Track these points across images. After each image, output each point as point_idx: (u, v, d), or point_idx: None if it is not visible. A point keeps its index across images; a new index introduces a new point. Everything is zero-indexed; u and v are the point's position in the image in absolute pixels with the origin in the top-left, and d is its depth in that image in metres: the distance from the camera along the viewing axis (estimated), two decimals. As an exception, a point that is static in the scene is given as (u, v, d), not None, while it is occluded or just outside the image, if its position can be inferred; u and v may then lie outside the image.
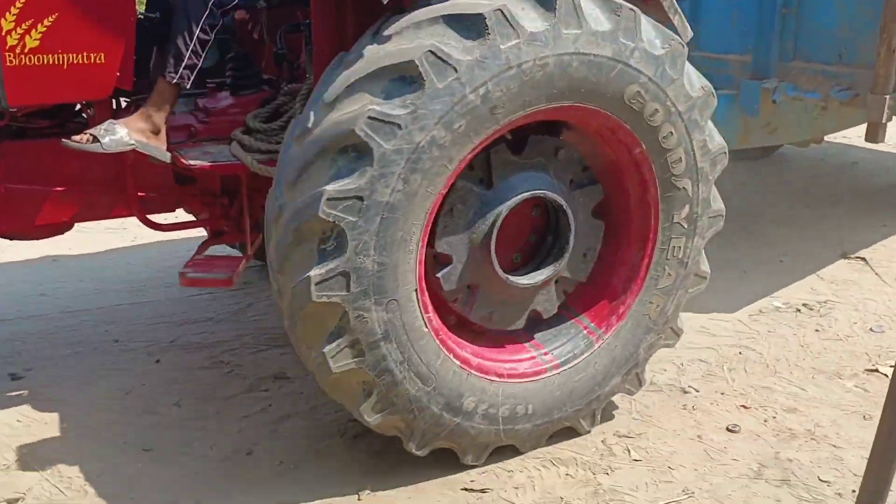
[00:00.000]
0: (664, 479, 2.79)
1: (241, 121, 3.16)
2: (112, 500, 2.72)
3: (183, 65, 2.95)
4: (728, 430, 3.09)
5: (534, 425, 2.84)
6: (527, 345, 2.93)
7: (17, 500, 2.71)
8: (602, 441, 3.02)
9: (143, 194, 3.21)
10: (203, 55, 3.01)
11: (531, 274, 2.82)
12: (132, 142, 2.87)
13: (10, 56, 2.64)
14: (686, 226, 2.89)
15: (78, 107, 3.18)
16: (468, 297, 2.78)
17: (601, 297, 2.98)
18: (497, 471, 2.84)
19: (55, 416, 3.25)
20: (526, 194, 2.69)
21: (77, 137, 2.81)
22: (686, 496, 2.70)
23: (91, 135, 2.81)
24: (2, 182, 2.95)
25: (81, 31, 2.73)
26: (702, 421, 3.16)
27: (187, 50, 2.94)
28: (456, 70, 2.32)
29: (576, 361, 2.88)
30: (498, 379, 2.76)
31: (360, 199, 2.32)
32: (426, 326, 2.57)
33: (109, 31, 2.80)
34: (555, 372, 2.85)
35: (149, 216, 3.31)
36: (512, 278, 2.75)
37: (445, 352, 2.63)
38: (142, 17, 3.15)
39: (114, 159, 2.99)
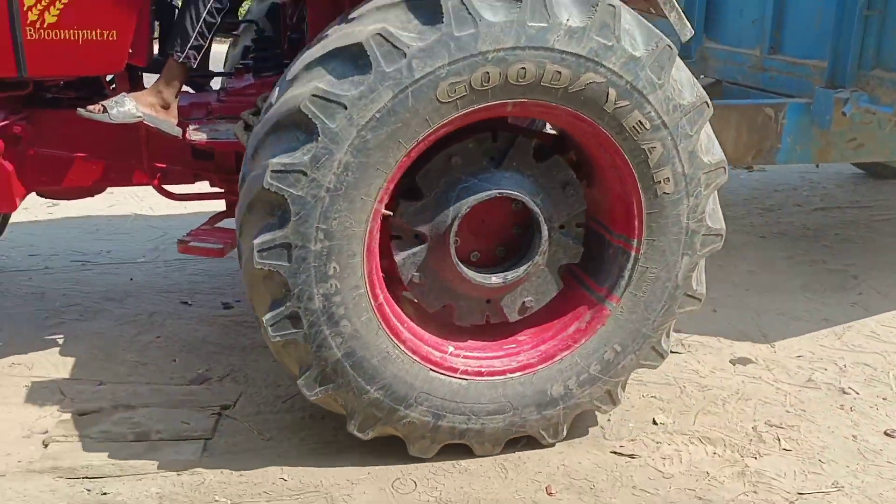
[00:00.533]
0: (813, 471, 2.85)
1: (255, 102, 3.31)
2: (302, 416, 3.15)
3: (189, 45, 3.09)
4: (886, 434, 3.08)
5: (635, 353, 2.85)
6: (584, 292, 2.92)
7: (228, 406, 3.21)
8: (753, 427, 3.10)
9: (161, 165, 3.44)
10: (209, 37, 3.15)
11: (517, 267, 2.80)
12: (139, 114, 3.06)
13: (30, 30, 2.91)
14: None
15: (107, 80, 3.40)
16: (494, 310, 2.87)
17: (612, 205, 2.85)
18: (646, 440, 3.01)
19: (258, 341, 3.75)
20: (468, 201, 2.67)
21: (90, 107, 3.02)
22: (835, 489, 2.75)
23: (103, 105, 3.02)
24: (32, 145, 3.26)
25: (96, 10, 2.95)
26: (859, 422, 3.16)
27: (193, 31, 3.09)
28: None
29: (630, 284, 2.79)
30: (567, 352, 2.83)
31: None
32: (462, 379, 2.75)
33: (122, 10, 2.99)
34: (615, 305, 2.81)
35: (168, 186, 3.56)
36: (510, 275, 2.78)
37: (502, 379, 2.77)
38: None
39: (128, 130, 3.22)
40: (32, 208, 5.23)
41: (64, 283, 4.42)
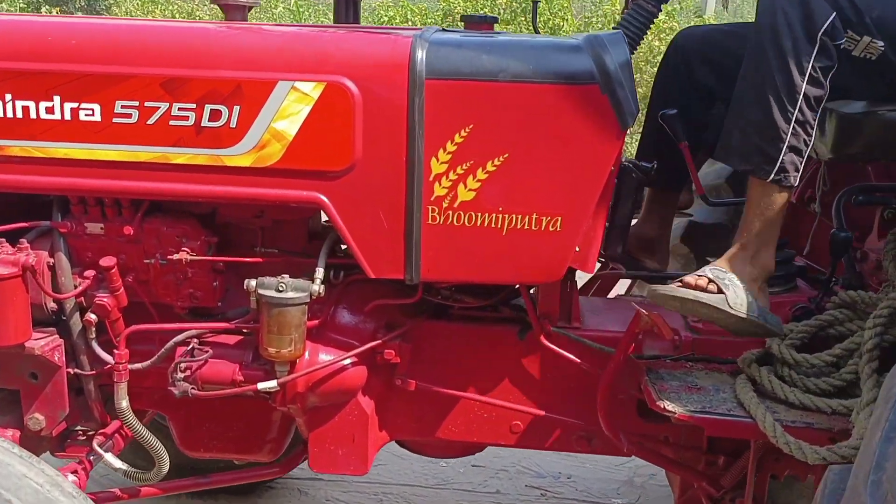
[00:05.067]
0: None
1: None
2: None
3: (785, 144, 1.74)
4: None
5: None
6: None
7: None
8: None
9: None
10: (814, 128, 1.78)
11: None
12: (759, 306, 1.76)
13: (432, 210, 1.74)
14: None
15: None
16: None
17: None
18: None
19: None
20: None
21: (686, 280, 1.81)
22: None
23: (708, 278, 1.79)
24: (401, 373, 2.02)
25: (537, 184, 1.74)
26: None
27: (789, 124, 1.74)
28: None
29: None
30: None
31: None
32: None
33: (580, 187, 1.75)
34: None
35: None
36: None
37: None
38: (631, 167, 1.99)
39: (561, 362, 1.95)
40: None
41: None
